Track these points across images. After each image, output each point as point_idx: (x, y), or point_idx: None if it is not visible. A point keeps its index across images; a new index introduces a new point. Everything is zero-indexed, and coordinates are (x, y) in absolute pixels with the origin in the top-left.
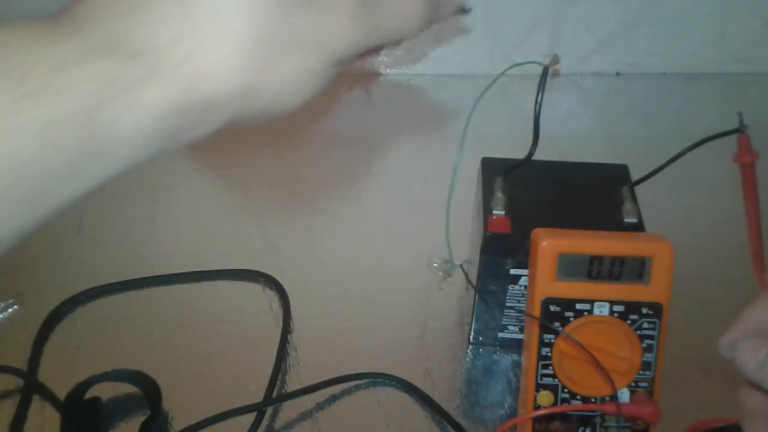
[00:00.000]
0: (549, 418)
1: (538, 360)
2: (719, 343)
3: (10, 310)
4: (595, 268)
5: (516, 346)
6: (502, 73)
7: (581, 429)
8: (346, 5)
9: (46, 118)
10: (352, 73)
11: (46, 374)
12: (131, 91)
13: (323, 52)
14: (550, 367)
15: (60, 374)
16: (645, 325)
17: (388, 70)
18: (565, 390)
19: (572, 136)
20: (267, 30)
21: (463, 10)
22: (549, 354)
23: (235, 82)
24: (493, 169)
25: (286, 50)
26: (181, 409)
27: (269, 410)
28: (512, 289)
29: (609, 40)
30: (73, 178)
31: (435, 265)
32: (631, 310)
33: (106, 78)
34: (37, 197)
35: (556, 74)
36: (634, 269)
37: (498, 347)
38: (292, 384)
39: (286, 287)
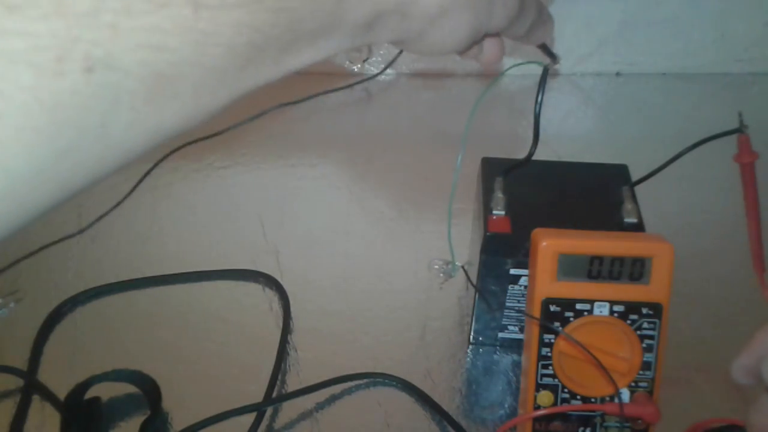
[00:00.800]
0: (549, 418)
1: (538, 360)
2: (731, 367)
3: (10, 305)
4: (595, 268)
5: (516, 346)
6: (503, 74)
7: (581, 429)
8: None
9: None
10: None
11: (46, 374)
12: None
13: (486, 27)
14: (550, 367)
15: (60, 374)
16: (645, 325)
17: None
18: (565, 390)
19: (572, 136)
20: None
21: (552, 55)
22: (549, 354)
23: (427, 18)
24: (493, 169)
25: (469, 16)
26: (181, 409)
27: (269, 410)
28: (512, 289)
29: (609, 40)
30: (303, 45)
31: (436, 267)
32: (631, 310)
33: None
34: (278, 57)
35: (556, 74)
36: (634, 269)
37: (498, 347)
38: (292, 384)
39: (286, 287)
